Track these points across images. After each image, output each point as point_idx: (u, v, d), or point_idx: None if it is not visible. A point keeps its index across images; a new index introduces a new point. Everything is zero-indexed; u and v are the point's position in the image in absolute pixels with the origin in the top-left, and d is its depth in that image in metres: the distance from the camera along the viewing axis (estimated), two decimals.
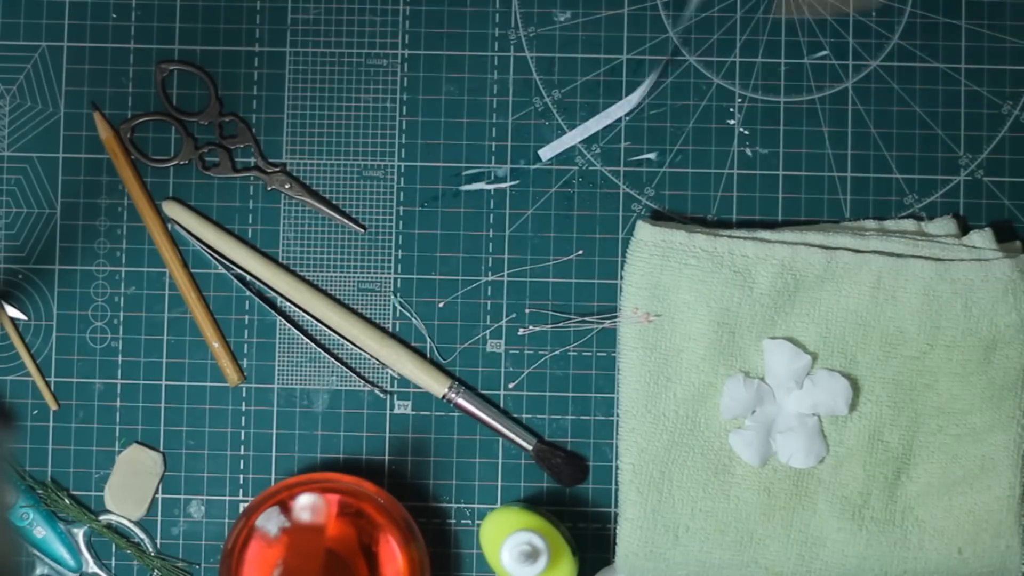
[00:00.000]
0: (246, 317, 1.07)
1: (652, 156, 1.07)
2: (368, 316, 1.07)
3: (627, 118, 1.07)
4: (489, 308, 1.07)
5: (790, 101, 1.07)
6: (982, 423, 1.03)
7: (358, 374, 1.07)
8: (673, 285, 1.03)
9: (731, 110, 1.07)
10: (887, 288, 1.03)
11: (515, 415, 1.06)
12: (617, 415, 1.06)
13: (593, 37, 1.07)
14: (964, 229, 1.06)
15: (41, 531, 1.06)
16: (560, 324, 1.06)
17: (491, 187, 1.07)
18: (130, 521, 1.06)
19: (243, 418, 1.07)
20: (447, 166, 1.07)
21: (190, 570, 1.06)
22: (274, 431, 1.07)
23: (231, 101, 1.08)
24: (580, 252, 1.07)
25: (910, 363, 1.04)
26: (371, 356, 1.06)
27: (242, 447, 1.07)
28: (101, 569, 1.06)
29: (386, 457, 1.07)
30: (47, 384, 1.07)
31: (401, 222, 1.07)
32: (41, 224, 1.07)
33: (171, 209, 1.07)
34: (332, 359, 1.06)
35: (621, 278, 1.05)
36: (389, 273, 1.07)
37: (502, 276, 1.07)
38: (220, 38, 1.08)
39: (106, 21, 1.08)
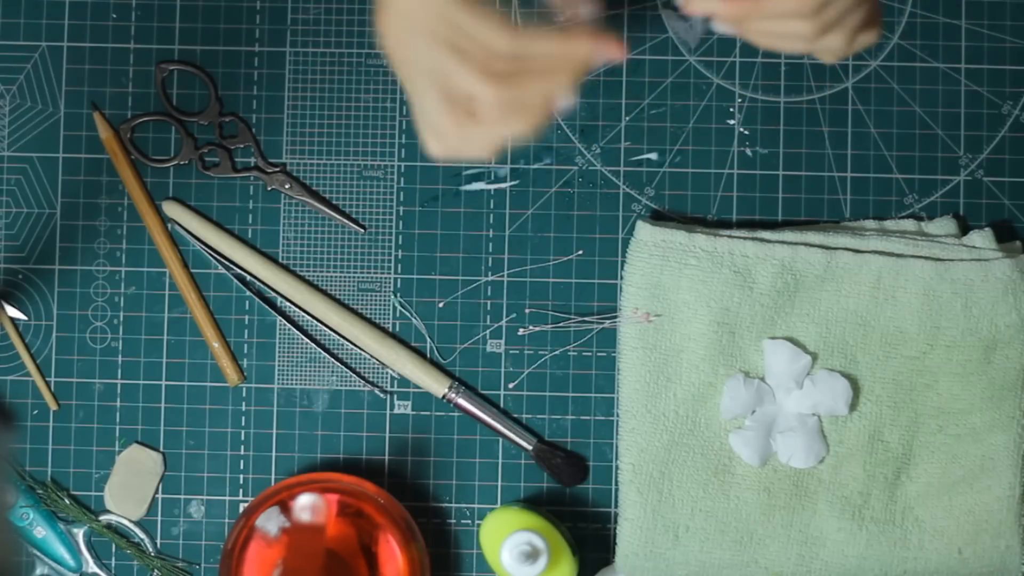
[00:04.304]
0: (246, 317, 1.07)
1: (652, 156, 1.07)
2: (368, 316, 1.07)
3: (627, 118, 1.07)
4: (489, 308, 1.07)
5: (790, 101, 1.07)
6: (982, 423, 1.03)
7: (358, 374, 1.07)
8: (673, 285, 1.03)
9: (731, 110, 1.07)
10: (887, 288, 1.03)
11: (515, 415, 1.06)
12: (617, 415, 1.06)
13: None
14: (964, 229, 1.06)
15: (41, 531, 1.06)
16: (560, 324, 1.06)
17: (491, 187, 1.07)
18: (130, 521, 1.06)
19: (243, 418, 1.07)
20: (447, 166, 1.07)
21: (190, 570, 1.06)
22: (274, 431, 1.07)
23: (231, 101, 1.08)
24: (580, 252, 1.07)
25: (910, 363, 1.04)
26: (371, 356, 1.06)
27: (242, 447, 1.07)
28: (101, 569, 1.06)
29: (386, 457, 1.07)
30: (47, 384, 1.07)
31: (401, 222, 1.07)
32: (41, 224, 1.08)
33: (171, 209, 1.07)
34: (332, 359, 1.06)
35: (621, 278, 1.05)
36: (389, 273, 1.07)
37: (502, 276, 1.07)
38: (220, 38, 1.08)
39: (106, 21, 1.08)
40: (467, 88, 0.77)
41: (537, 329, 1.06)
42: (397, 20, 0.78)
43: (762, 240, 1.04)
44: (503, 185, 1.07)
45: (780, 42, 0.80)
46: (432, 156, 0.80)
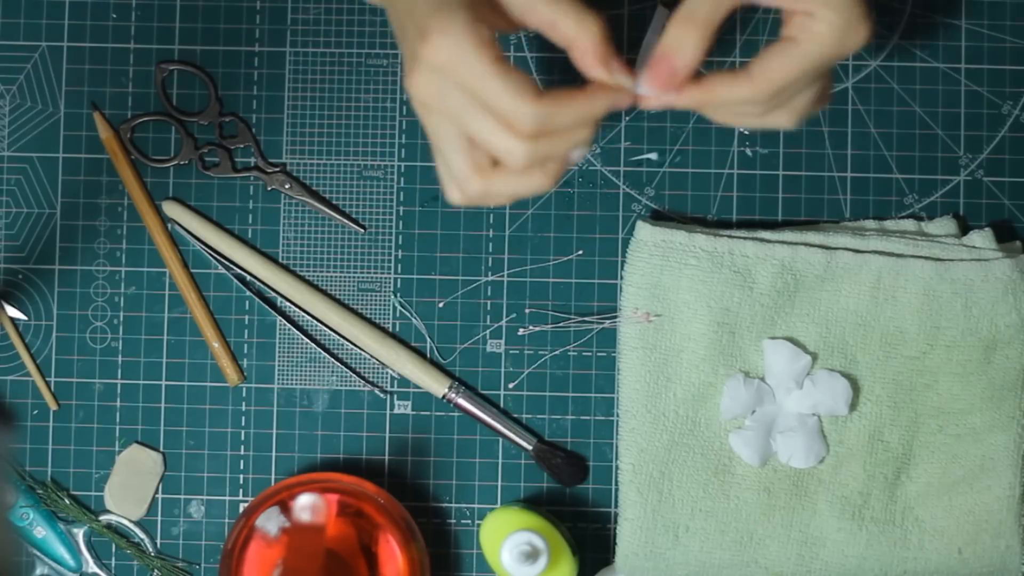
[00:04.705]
0: (246, 317, 1.07)
1: (652, 156, 1.07)
2: (368, 316, 1.07)
3: (627, 118, 1.07)
4: (489, 308, 1.07)
5: None
6: (982, 423, 1.03)
7: (358, 374, 1.07)
8: (673, 285, 1.03)
9: None
10: (887, 288, 1.03)
11: (515, 415, 1.06)
12: (617, 415, 1.06)
13: None
14: (964, 229, 1.06)
15: (41, 531, 1.06)
16: (560, 324, 1.06)
17: None
18: (130, 521, 1.06)
19: (243, 418, 1.07)
20: None
21: (190, 570, 1.06)
22: (274, 431, 1.07)
23: (231, 101, 1.08)
24: (580, 252, 1.07)
25: (910, 363, 1.04)
26: (371, 356, 1.06)
27: (242, 447, 1.07)
28: (101, 569, 1.06)
29: (386, 457, 1.07)
30: (47, 384, 1.07)
31: (401, 222, 1.07)
32: (41, 224, 1.08)
33: (171, 209, 1.07)
34: (332, 359, 1.06)
35: (621, 278, 1.05)
36: (389, 273, 1.07)
37: (502, 276, 1.07)
38: (220, 38, 1.08)
39: (106, 21, 1.08)
40: (495, 143, 0.79)
41: (537, 329, 1.06)
42: (428, 75, 0.79)
43: (762, 240, 1.04)
44: None
45: (733, 120, 0.85)
46: (451, 203, 0.82)
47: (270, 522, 1.02)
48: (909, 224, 1.06)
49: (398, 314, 1.07)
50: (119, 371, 1.07)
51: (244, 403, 1.07)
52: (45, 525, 1.06)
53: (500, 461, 1.06)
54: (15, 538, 1.03)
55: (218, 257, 1.07)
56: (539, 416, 1.06)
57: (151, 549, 1.06)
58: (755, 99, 0.81)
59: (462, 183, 0.81)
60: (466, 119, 0.79)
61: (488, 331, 1.07)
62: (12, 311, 1.07)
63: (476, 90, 0.78)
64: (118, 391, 1.07)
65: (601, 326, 1.06)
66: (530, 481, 1.06)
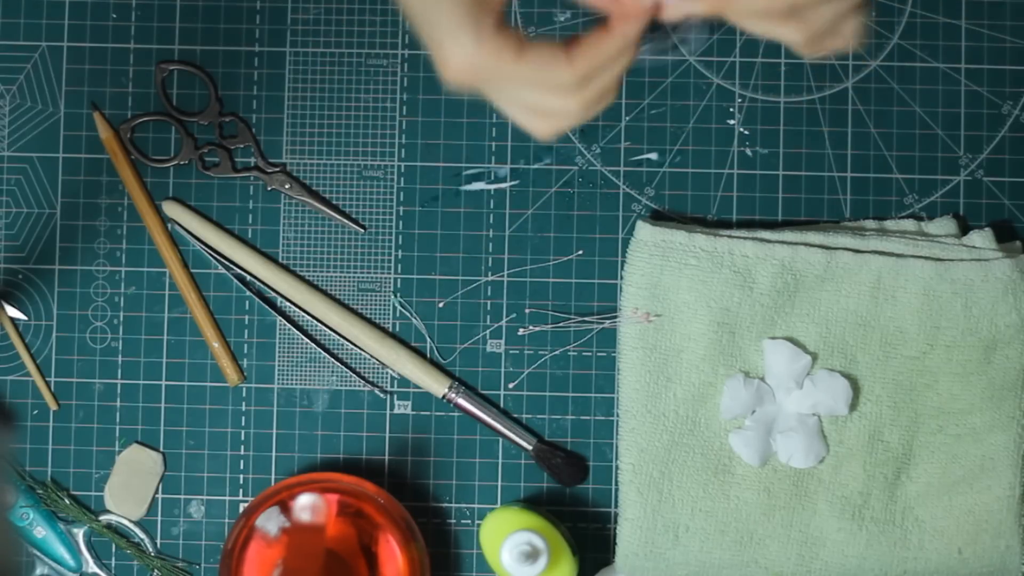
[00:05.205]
0: (246, 317, 1.07)
1: (652, 156, 1.07)
2: (368, 316, 1.07)
3: (627, 118, 1.07)
4: (489, 308, 1.07)
5: (790, 101, 1.07)
6: (982, 423, 1.03)
7: (358, 374, 1.07)
8: (673, 285, 1.03)
9: (731, 110, 1.07)
10: (887, 288, 1.03)
11: (515, 415, 1.06)
12: (617, 415, 1.06)
13: None
14: (964, 229, 1.06)
15: (41, 531, 1.06)
16: (560, 324, 1.06)
17: (491, 187, 1.07)
18: (130, 521, 1.06)
19: (243, 418, 1.07)
20: (447, 166, 1.07)
21: (190, 570, 1.06)
22: (274, 431, 1.07)
23: (231, 101, 1.08)
24: (580, 252, 1.07)
25: (910, 363, 1.04)
26: (371, 356, 1.06)
27: (242, 447, 1.07)
28: (101, 569, 1.06)
29: (386, 457, 1.07)
30: (47, 384, 1.07)
31: (401, 222, 1.07)
32: (41, 224, 1.08)
33: (171, 209, 1.07)
34: (332, 359, 1.06)
35: (621, 278, 1.05)
36: (389, 273, 1.07)
37: (502, 276, 1.07)
38: (220, 38, 1.08)
39: (106, 21, 1.08)
40: (554, 107, 0.82)
41: (537, 329, 1.06)
42: (464, 72, 0.81)
43: (762, 240, 1.04)
44: (503, 185, 1.07)
45: (746, 27, 0.84)
46: (538, 138, 0.85)
47: (270, 522, 1.02)
48: (909, 224, 1.06)
49: (398, 314, 1.07)
50: (119, 371, 1.07)
51: (244, 403, 1.07)
52: (45, 525, 1.06)
53: (500, 461, 1.06)
54: (15, 538, 1.03)
55: (218, 257, 1.07)
56: (539, 416, 1.06)
57: (151, 549, 1.06)
58: (771, 9, 0.82)
59: (539, 129, 0.84)
60: (520, 97, 0.82)
61: (488, 331, 1.07)
62: (12, 311, 1.07)
63: (517, 76, 0.81)
64: (118, 391, 1.07)
65: (601, 326, 1.06)
66: (530, 481, 1.06)
